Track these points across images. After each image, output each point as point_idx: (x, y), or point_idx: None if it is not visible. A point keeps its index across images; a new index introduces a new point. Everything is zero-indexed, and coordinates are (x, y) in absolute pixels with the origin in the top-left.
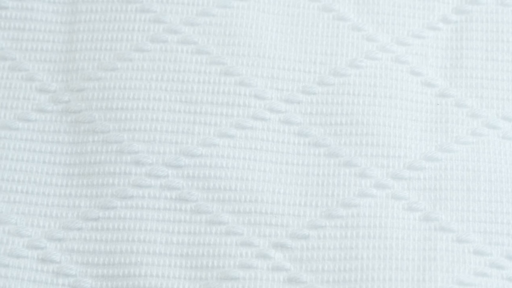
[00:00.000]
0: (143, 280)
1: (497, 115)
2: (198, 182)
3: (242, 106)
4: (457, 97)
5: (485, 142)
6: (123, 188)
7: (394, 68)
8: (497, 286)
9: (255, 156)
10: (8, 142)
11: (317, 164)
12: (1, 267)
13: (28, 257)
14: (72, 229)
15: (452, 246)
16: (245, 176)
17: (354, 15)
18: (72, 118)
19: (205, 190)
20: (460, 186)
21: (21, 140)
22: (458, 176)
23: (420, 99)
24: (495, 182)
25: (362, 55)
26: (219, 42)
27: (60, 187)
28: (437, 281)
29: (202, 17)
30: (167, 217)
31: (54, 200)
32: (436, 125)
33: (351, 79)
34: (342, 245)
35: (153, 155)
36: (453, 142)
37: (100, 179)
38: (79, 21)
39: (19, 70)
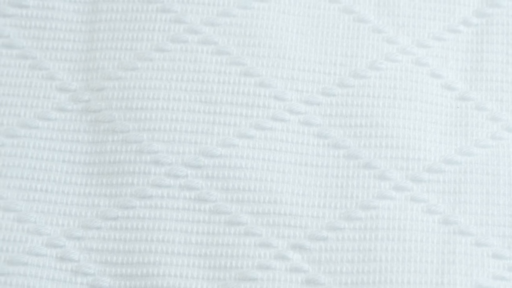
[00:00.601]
0: (161, 279)
1: None
2: (217, 183)
3: (261, 107)
4: (477, 100)
5: (505, 146)
6: (142, 187)
7: (414, 70)
8: None
9: (274, 157)
10: (28, 141)
11: (336, 166)
12: (20, 265)
13: (47, 255)
14: (91, 228)
15: (471, 250)
16: (264, 177)
17: (375, 17)
18: (92, 117)
19: (224, 190)
20: (479, 189)
21: (41, 139)
22: (478, 179)
23: (440, 102)
24: None
25: (382, 57)
26: (239, 42)
27: (79, 186)
28: (455, 284)
29: (223, 17)
30: (186, 217)
31: (73, 199)
32: (456, 128)
33: (371, 81)
34: (361, 247)
35: (173, 155)
36: (473, 145)
37: (119, 179)
38: (99, 21)
39: (40, 69)
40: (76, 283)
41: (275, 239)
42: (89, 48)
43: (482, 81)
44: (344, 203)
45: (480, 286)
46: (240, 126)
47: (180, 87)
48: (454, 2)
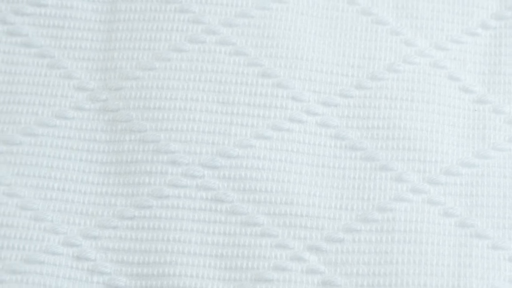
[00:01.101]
0: (177, 279)
1: None
2: (234, 183)
3: (279, 108)
4: (495, 103)
5: None
6: (159, 187)
7: (432, 73)
8: None
9: (291, 158)
10: (45, 140)
11: (353, 168)
12: (36, 264)
13: (64, 254)
14: (107, 227)
15: (488, 253)
16: (281, 178)
17: (393, 19)
18: (109, 117)
19: (240, 191)
20: (496, 192)
21: (58, 138)
22: (495, 182)
23: (457, 105)
24: None
25: (400, 59)
26: (257, 43)
27: (96, 185)
28: (472, 287)
29: (241, 18)
30: (202, 217)
31: (90, 198)
32: (473, 131)
33: (388, 83)
34: (377, 249)
35: (190, 155)
36: (490, 148)
37: (136, 178)
38: (118, 20)
39: (58, 67)
40: (92, 282)
41: (291, 240)
42: (107, 47)
43: (500, 84)
44: (360, 205)
45: None
46: (257, 127)
47: (197, 88)
48: (472, 5)
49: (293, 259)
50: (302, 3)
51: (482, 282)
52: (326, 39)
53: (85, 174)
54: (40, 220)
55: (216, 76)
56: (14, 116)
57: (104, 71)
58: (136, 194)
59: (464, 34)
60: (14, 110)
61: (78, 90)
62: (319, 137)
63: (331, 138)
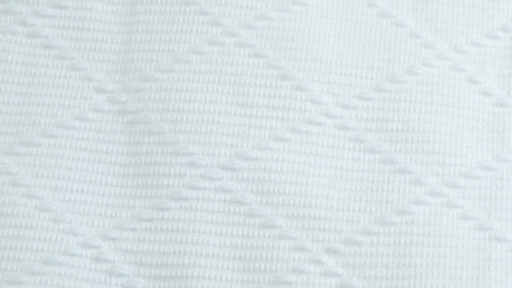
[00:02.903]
0: (196, 281)
1: None
2: (252, 185)
3: (298, 110)
4: None
5: None
6: (177, 189)
7: (452, 76)
8: None
9: (310, 161)
10: (64, 141)
11: (372, 170)
12: (55, 265)
13: (82, 256)
14: (126, 229)
15: (507, 256)
16: (299, 181)
17: (413, 21)
18: (128, 119)
19: (259, 193)
20: None
21: (78, 140)
22: None
23: (477, 108)
24: None
25: (420, 62)
26: (276, 46)
27: (115, 187)
28: None
29: (260, 20)
30: (220, 219)
31: (108, 200)
32: (492, 134)
33: (408, 86)
34: (396, 252)
35: (208, 157)
36: (510, 151)
37: (155, 180)
38: (137, 22)
39: (77, 69)
40: (110, 283)
41: (309, 242)
42: (126, 49)
43: None
44: (379, 208)
45: None
46: (276, 129)
47: (216, 90)
48: (492, 8)
49: (311, 262)
50: (321, 6)
51: (501, 285)
52: (345, 41)
53: (103, 175)
54: (58, 221)
55: (235, 78)
56: (33, 118)
57: (124, 73)
58: (155, 196)
59: (484, 37)
60: (34, 111)
61: (98, 92)
62: (337, 139)
63: (350, 141)
